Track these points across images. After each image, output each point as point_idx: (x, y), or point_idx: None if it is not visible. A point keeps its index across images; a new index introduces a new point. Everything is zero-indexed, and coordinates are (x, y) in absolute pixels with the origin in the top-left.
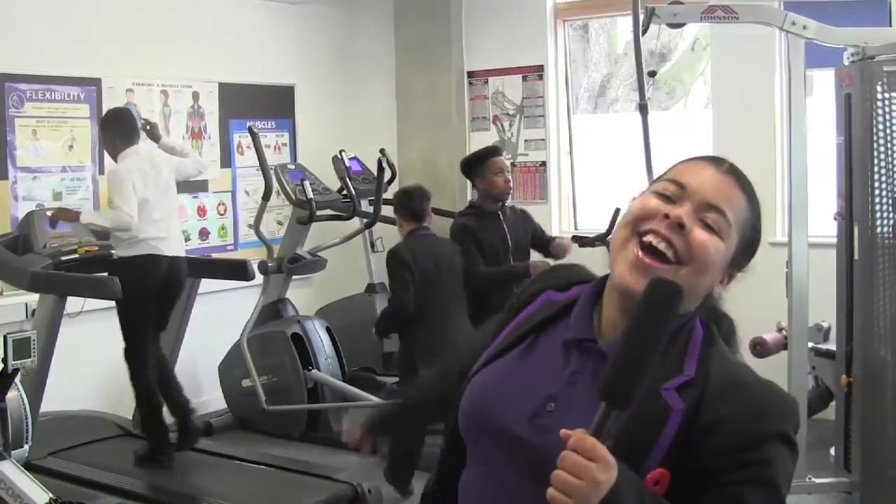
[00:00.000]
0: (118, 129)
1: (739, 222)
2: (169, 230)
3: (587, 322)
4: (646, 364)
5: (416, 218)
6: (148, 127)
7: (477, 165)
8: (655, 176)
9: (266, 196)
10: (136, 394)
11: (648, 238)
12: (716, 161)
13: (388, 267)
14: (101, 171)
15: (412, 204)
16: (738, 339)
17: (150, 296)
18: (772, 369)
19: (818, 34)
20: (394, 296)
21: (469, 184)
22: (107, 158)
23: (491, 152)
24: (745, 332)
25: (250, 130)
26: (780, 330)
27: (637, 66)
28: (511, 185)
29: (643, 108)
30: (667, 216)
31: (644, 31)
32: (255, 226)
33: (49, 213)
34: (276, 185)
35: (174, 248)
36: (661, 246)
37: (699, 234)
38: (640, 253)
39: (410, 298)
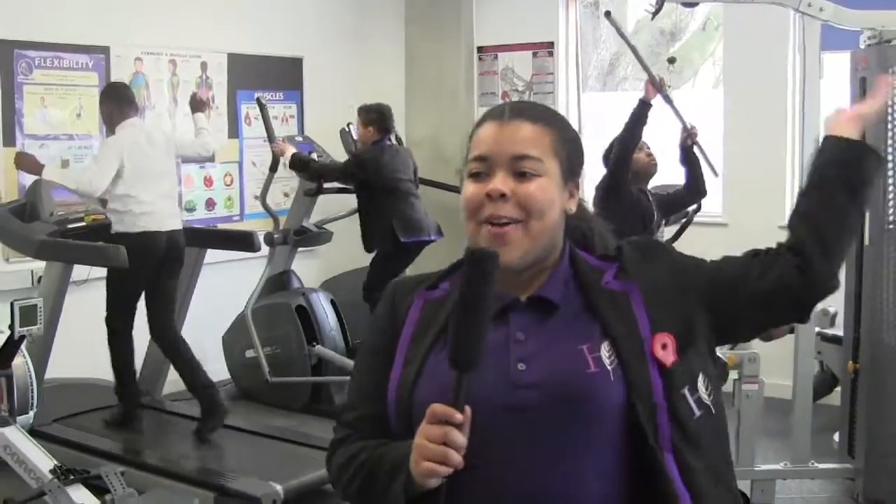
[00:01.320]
0: (116, 102)
1: (548, 148)
2: (165, 204)
3: (499, 290)
4: (482, 329)
5: (386, 132)
6: (197, 99)
7: None
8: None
9: (273, 167)
10: (112, 359)
11: (490, 222)
12: (498, 114)
13: (347, 161)
14: None
15: (386, 121)
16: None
17: (142, 273)
18: (778, 353)
19: (834, 16)
20: (336, 169)
21: None
22: None
23: None
24: None
25: (258, 101)
26: None
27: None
28: (656, 161)
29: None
30: (489, 195)
31: (658, 10)
32: (262, 197)
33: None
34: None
35: (170, 223)
36: (502, 223)
37: (521, 189)
38: (491, 229)
39: (331, 179)
